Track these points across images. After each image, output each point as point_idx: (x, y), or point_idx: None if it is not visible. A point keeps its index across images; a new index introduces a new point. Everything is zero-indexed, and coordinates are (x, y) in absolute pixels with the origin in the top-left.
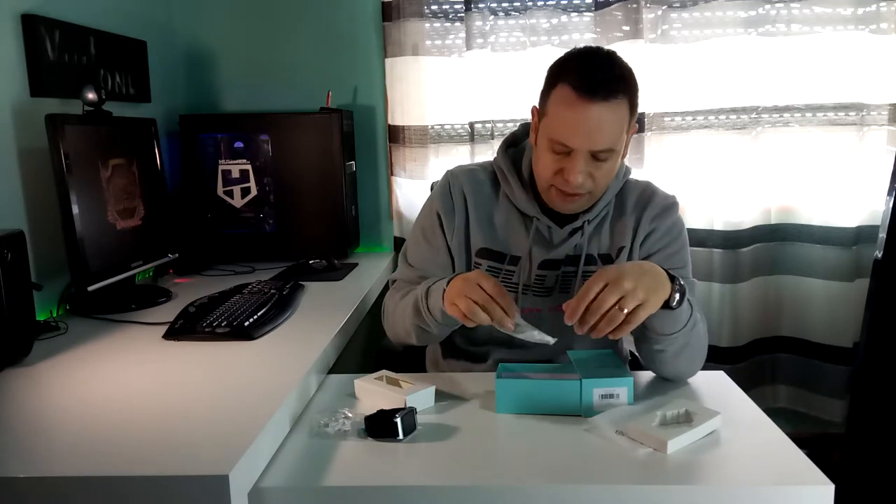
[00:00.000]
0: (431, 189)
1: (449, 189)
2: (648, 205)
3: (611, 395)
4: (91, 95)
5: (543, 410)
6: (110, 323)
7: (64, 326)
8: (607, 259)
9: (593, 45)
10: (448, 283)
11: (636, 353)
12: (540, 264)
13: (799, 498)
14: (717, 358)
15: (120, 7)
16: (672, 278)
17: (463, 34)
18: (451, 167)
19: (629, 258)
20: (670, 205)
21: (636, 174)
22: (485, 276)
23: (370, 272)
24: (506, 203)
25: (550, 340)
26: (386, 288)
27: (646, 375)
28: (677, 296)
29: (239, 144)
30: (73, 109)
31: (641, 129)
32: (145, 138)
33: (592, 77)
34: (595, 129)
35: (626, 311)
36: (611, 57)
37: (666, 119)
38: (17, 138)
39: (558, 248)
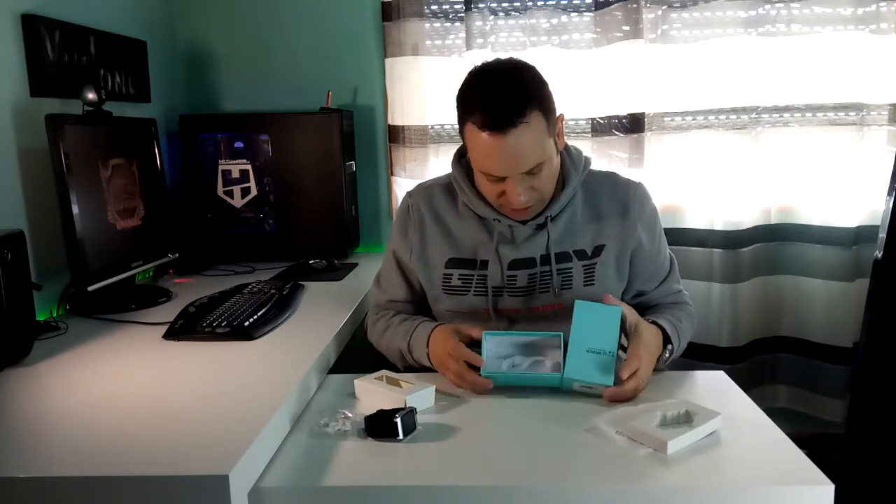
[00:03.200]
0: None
1: (408, 210)
2: (629, 202)
3: (589, 387)
4: (91, 95)
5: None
6: (110, 323)
7: (64, 326)
8: (583, 255)
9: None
10: (427, 344)
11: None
12: (509, 265)
13: (799, 498)
14: (717, 358)
15: (120, 7)
16: (665, 342)
17: (463, 34)
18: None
19: (618, 261)
20: (644, 194)
21: (636, 174)
22: (451, 348)
23: (370, 272)
24: (466, 211)
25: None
26: None
27: None
28: (667, 355)
29: (239, 144)
30: (73, 109)
31: (641, 130)
32: (145, 138)
33: (495, 110)
34: (515, 155)
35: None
36: (506, 76)
37: (666, 119)
38: (17, 138)
39: (524, 246)
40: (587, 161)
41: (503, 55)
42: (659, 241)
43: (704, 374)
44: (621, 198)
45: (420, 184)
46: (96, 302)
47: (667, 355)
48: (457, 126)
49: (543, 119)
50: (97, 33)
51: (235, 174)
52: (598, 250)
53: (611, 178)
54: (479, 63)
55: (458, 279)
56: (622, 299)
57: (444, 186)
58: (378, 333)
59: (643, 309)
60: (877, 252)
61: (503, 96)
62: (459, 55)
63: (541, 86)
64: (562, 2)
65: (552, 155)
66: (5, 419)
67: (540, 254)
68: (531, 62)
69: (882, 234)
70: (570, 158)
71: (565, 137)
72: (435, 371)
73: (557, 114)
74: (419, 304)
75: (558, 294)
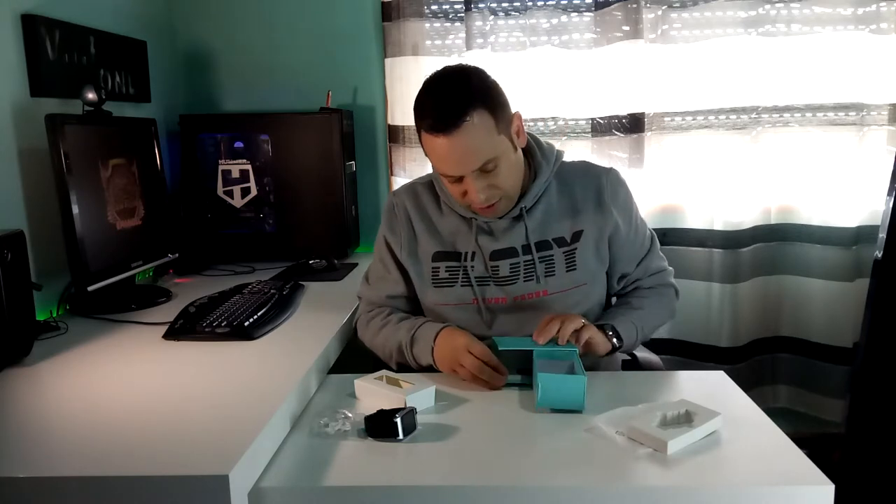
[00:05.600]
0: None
1: (393, 209)
2: (602, 188)
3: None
4: (91, 95)
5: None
6: (110, 323)
7: (64, 326)
8: (562, 242)
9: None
10: (435, 339)
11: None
12: (490, 255)
13: (799, 498)
14: (717, 358)
15: (120, 7)
16: (601, 327)
17: (463, 34)
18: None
19: (597, 245)
20: (616, 179)
21: (636, 174)
22: (473, 342)
23: None
24: (447, 208)
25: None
26: None
27: (646, 375)
28: (615, 340)
29: (239, 144)
30: (73, 109)
31: (641, 130)
32: (145, 138)
33: (438, 113)
34: (462, 154)
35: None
36: (449, 80)
37: (666, 119)
38: (17, 138)
39: (503, 237)
40: (559, 154)
41: (503, 55)
42: (636, 221)
43: (704, 374)
44: (594, 184)
45: (403, 184)
46: (96, 302)
47: (615, 342)
48: None
49: (490, 117)
50: (97, 33)
51: (235, 174)
52: (576, 236)
53: (583, 166)
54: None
55: (446, 271)
56: (606, 283)
57: (427, 185)
58: (373, 331)
59: (624, 291)
60: (877, 252)
61: (445, 98)
62: (459, 55)
63: (487, 86)
64: (562, 2)
65: (506, 151)
66: (5, 419)
67: (521, 244)
68: (531, 62)
69: (882, 234)
70: (541, 152)
71: (564, 137)
72: (433, 370)
73: (513, 111)
74: (414, 301)
75: (543, 281)
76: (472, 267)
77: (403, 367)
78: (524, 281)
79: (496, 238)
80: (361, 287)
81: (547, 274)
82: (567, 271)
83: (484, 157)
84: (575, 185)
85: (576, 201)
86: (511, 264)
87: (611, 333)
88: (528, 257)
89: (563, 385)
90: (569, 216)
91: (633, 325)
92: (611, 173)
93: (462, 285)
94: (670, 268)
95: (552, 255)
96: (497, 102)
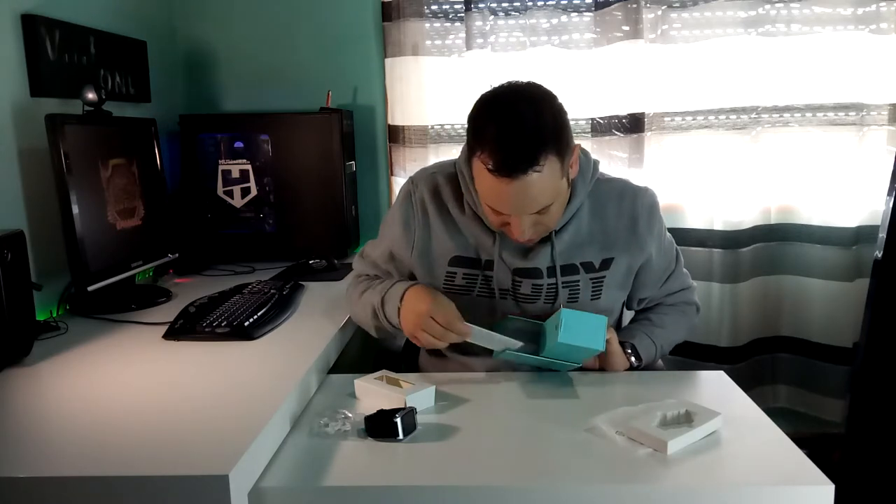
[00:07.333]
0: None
1: (410, 198)
2: (637, 216)
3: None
4: (91, 95)
5: None
6: (110, 323)
7: (64, 326)
8: (590, 267)
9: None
10: (402, 299)
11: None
12: (514, 271)
13: (799, 498)
14: (717, 358)
15: (120, 7)
16: (620, 344)
17: (463, 34)
18: (413, 173)
19: (625, 275)
20: (651, 204)
21: (636, 174)
22: (437, 308)
23: None
24: (470, 210)
25: (515, 344)
26: None
27: (647, 375)
28: (633, 359)
29: (239, 144)
30: (73, 109)
31: (641, 130)
32: (145, 138)
33: (506, 155)
34: (523, 199)
35: None
36: (522, 112)
37: (666, 119)
38: (17, 138)
39: (530, 256)
40: (595, 167)
41: (503, 55)
42: (664, 243)
43: (704, 374)
44: (628, 211)
45: (423, 169)
46: (96, 302)
47: (633, 360)
48: (457, 126)
49: (558, 162)
50: (97, 33)
51: (235, 174)
52: (606, 263)
53: (619, 187)
54: (494, 86)
55: (463, 278)
56: (624, 306)
57: (449, 177)
58: (356, 297)
59: (643, 308)
60: (877, 252)
61: (516, 139)
62: (459, 55)
63: (559, 122)
64: (562, 2)
65: (563, 192)
66: (5, 419)
67: (546, 266)
68: (531, 62)
69: (882, 234)
70: (578, 169)
71: None
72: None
73: (573, 144)
74: None
75: (564, 307)
76: (493, 277)
77: (399, 361)
78: (544, 302)
79: (522, 256)
80: (356, 261)
81: (570, 300)
82: (591, 299)
83: (544, 203)
84: (608, 208)
85: (608, 226)
86: (534, 285)
87: (629, 352)
88: (552, 280)
89: (584, 322)
90: (599, 241)
91: (652, 343)
92: (646, 197)
93: (479, 295)
94: (693, 283)
95: (578, 281)
96: (567, 141)
